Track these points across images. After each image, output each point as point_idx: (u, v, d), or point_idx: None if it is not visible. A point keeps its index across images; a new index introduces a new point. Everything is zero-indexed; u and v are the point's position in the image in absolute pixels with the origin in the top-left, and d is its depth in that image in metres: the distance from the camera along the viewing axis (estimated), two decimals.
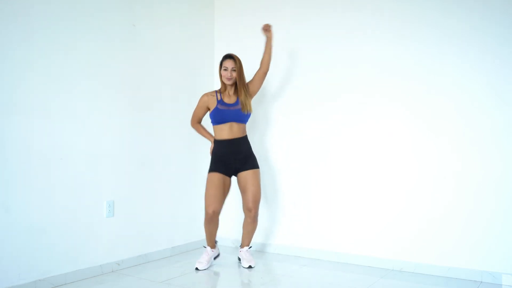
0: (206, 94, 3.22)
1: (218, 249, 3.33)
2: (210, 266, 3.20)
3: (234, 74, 3.11)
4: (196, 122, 3.29)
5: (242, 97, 3.12)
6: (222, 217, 3.93)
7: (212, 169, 3.13)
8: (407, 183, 3.09)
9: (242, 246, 3.29)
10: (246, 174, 3.12)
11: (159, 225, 3.45)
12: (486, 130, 2.84)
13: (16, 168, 2.56)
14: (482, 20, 2.85)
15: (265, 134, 3.72)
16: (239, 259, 3.29)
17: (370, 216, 3.23)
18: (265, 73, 3.23)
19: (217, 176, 3.10)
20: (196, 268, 3.11)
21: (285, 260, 3.41)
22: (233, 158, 3.11)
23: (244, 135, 3.18)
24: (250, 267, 3.15)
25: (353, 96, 3.31)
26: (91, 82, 2.96)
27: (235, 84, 3.16)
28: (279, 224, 3.64)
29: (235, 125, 3.11)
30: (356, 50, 3.30)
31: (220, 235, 3.87)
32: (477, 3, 2.87)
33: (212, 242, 3.23)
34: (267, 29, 3.18)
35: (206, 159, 3.79)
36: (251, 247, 3.32)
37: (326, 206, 3.42)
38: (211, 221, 3.11)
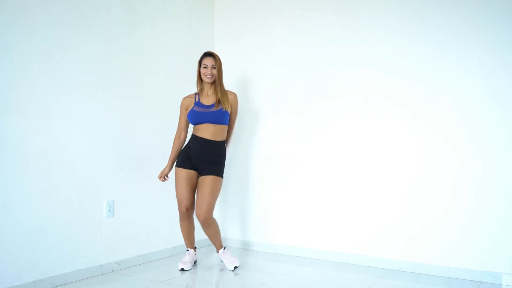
0: (185, 97, 3.20)
1: (196, 254, 3.29)
2: (209, 266, 3.18)
3: (214, 71, 3.07)
4: (179, 131, 3.20)
5: (219, 95, 3.07)
6: (220, 218, 3.93)
7: (179, 164, 3.09)
8: (407, 183, 3.09)
9: (217, 250, 3.21)
10: (205, 179, 3.02)
11: (159, 225, 3.45)
12: (486, 130, 2.84)
13: (16, 168, 2.56)
14: (483, 20, 2.85)
15: (265, 134, 3.72)
16: (222, 261, 3.22)
17: (370, 216, 3.22)
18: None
19: (183, 172, 3.06)
20: (182, 269, 3.08)
21: (285, 260, 3.41)
22: (199, 159, 3.05)
23: (219, 139, 3.09)
24: (235, 267, 3.13)
25: (354, 96, 3.31)
26: (91, 82, 2.96)
27: (214, 85, 3.12)
28: (279, 224, 3.64)
29: (211, 127, 3.05)
30: (357, 50, 3.30)
31: (223, 236, 3.86)
32: (478, 3, 2.86)
33: (192, 243, 3.22)
34: None
35: None
36: (225, 247, 3.22)
37: (326, 206, 3.41)
38: (186, 218, 3.11)
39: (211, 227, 3.08)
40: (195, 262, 3.26)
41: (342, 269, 3.16)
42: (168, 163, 3.20)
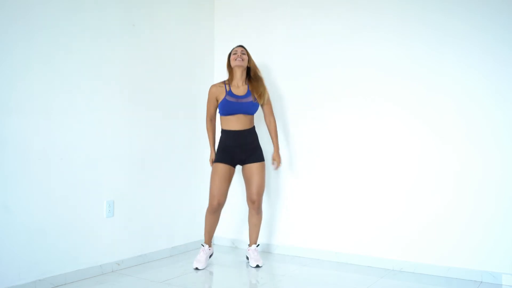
0: (214, 85, 3.21)
1: (212, 248, 3.33)
2: (207, 266, 3.19)
3: (245, 57, 3.12)
4: (210, 118, 3.26)
5: (256, 89, 3.12)
6: (220, 218, 3.93)
7: (218, 159, 3.12)
8: (407, 183, 3.09)
9: (250, 244, 3.29)
10: (252, 166, 3.12)
11: (159, 225, 3.45)
12: (486, 130, 2.84)
13: (16, 168, 2.56)
14: (482, 20, 2.85)
15: (265, 134, 3.71)
16: (247, 257, 3.29)
17: (370, 216, 3.23)
18: (265, 121, 3.34)
19: (222, 167, 3.09)
20: (196, 268, 3.10)
21: (285, 260, 3.41)
22: (239, 150, 3.11)
23: (251, 126, 3.18)
24: (257, 266, 3.15)
25: (354, 96, 3.31)
26: (91, 81, 2.96)
27: (245, 73, 3.16)
28: (279, 224, 3.64)
29: (242, 117, 3.11)
30: (357, 50, 3.30)
31: (218, 234, 3.87)
32: (478, 3, 2.87)
33: (210, 238, 3.24)
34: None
35: (206, 159, 3.79)
36: (258, 245, 3.31)
37: (326, 206, 3.42)
38: (215, 213, 3.14)
39: (260, 213, 3.22)
40: (210, 256, 3.27)
41: (342, 269, 3.16)
42: (211, 149, 3.30)
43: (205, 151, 3.84)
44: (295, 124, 3.57)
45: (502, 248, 2.78)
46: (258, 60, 3.77)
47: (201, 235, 3.71)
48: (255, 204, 3.15)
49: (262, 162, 3.18)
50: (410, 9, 3.09)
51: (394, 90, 3.15)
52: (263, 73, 3.72)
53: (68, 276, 2.79)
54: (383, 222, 3.17)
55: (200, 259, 3.14)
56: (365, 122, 3.26)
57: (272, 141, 3.32)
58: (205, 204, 3.85)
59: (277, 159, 3.28)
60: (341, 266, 3.22)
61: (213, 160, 3.22)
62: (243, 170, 3.20)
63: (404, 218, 3.10)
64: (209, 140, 3.31)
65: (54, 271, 2.72)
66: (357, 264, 3.24)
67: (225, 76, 3.84)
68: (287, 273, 3.07)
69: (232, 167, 3.14)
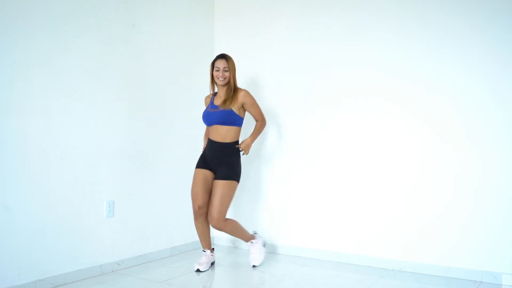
0: (206, 96, 3.31)
1: (214, 255, 3.25)
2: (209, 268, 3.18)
3: (227, 74, 3.05)
4: (206, 127, 3.30)
5: (228, 97, 3.05)
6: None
7: (196, 165, 3.18)
8: (407, 183, 3.09)
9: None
10: (216, 183, 3.03)
11: (159, 225, 3.45)
12: (486, 130, 2.84)
13: (16, 168, 2.56)
14: (483, 20, 2.85)
15: (265, 134, 3.72)
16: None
17: (370, 216, 3.22)
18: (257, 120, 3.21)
19: (197, 172, 3.13)
20: (198, 270, 3.07)
21: (285, 260, 3.41)
22: (211, 160, 3.10)
23: (228, 141, 3.07)
24: (253, 266, 3.15)
25: (354, 96, 3.31)
26: (91, 82, 2.96)
27: (227, 85, 3.10)
28: (279, 224, 3.64)
29: (220, 128, 3.06)
30: (357, 50, 3.30)
31: (218, 234, 3.88)
32: (478, 3, 2.86)
33: (207, 243, 3.18)
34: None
35: None
36: (252, 241, 3.24)
37: (326, 206, 3.42)
38: (199, 216, 3.09)
39: (225, 229, 3.08)
40: (212, 264, 3.22)
41: (342, 269, 3.16)
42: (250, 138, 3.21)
43: None
44: (294, 124, 3.57)
45: (502, 248, 2.78)
46: (258, 59, 3.78)
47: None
48: (212, 222, 3.01)
49: (228, 181, 3.01)
50: (410, 9, 3.09)
51: (394, 90, 3.15)
52: (262, 71, 3.73)
53: (68, 276, 2.79)
54: (383, 222, 3.17)
55: (201, 262, 3.12)
56: (365, 122, 3.26)
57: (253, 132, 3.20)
58: None
59: (241, 145, 3.13)
60: (341, 266, 3.22)
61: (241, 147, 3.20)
62: (212, 184, 3.11)
63: (404, 218, 3.09)
64: (203, 147, 3.30)
65: (54, 271, 2.72)
66: (357, 264, 3.24)
67: None
68: (287, 273, 3.07)
69: (209, 172, 3.11)
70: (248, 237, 3.26)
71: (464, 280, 2.86)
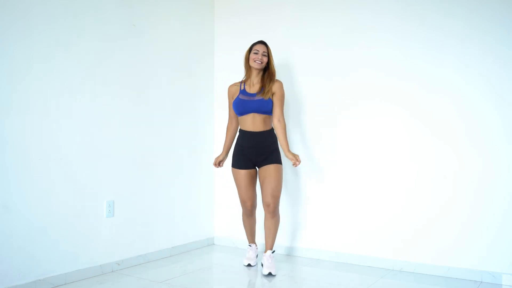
0: (231, 85, 3.19)
1: (257, 249, 3.36)
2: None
3: (265, 59, 3.02)
4: (230, 118, 3.20)
5: (266, 84, 3.00)
6: (221, 218, 3.94)
7: (236, 164, 3.08)
8: (406, 183, 3.09)
9: (265, 249, 3.08)
10: (267, 168, 3.00)
11: (159, 225, 3.45)
12: (485, 129, 2.84)
13: (16, 168, 2.56)
14: (482, 21, 2.85)
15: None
16: (262, 264, 3.10)
17: (370, 216, 3.23)
18: (275, 117, 3.03)
19: (244, 174, 3.07)
20: (248, 265, 3.18)
21: (285, 260, 3.41)
22: (255, 153, 3.02)
23: (268, 128, 3.05)
24: (270, 274, 2.95)
25: (352, 96, 3.31)
26: (91, 82, 2.96)
27: (262, 72, 3.06)
28: (279, 224, 3.63)
29: (257, 117, 3.00)
30: (356, 50, 3.30)
31: (217, 234, 3.88)
32: (477, 3, 2.87)
33: (253, 238, 3.29)
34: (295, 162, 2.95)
35: (206, 159, 3.80)
36: (274, 251, 3.09)
37: (326, 206, 3.42)
38: (251, 215, 3.19)
39: (275, 217, 3.07)
40: (257, 256, 3.30)
41: (342, 269, 3.16)
42: (223, 151, 3.26)
43: (205, 151, 3.85)
44: (293, 124, 3.57)
45: (502, 248, 2.78)
46: None
47: (201, 234, 3.71)
48: (270, 207, 3.01)
49: (279, 164, 3.03)
50: (410, 10, 3.09)
51: (393, 90, 3.15)
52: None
53: (68, 276, 2.79)
54: (383, 222, 3.17)
55: (250, 256, 3.21)
56: (365, 122, 3.26)
57: (280, 141, 3.04)
58: (206, 203, 3.87)
59: (289, 157, 2.95)
60: (341, 266, 3.22)
61: (219, 160, 3.25)
62: (259, 172, 3.10)
63: (404, 218, 3.10)
64: (225, 141, 3.27)
65: (54, 271, 2.72)
66: (357, 264, 3.24)
67: (225, 76, 3.86)
68: (287, 273, 3.07)
69: (252, 170, 3.09)
70: (272, 245, 3.09)
71: (464, 280, 2.86)
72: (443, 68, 2.97)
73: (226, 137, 3.26)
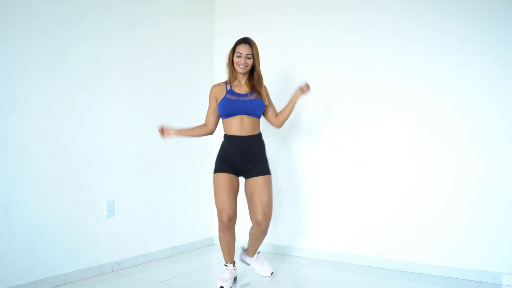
0: (214, 85, 2.84)
1: (236, 270, 2.89)
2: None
3: (249, 62, 2.69)
4: (206, 121, 2.84)
5: (258, 87, 2.72)
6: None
7: (218, 169, 2.73)
8: (407, 183, 3.09)
9: (251, 254, 2.96)
10: (255, 181, 2.71)
11: (159, 225, 3.45)
12: (485, 130, 2.84)
13: (16, 168, 2.56)
14: (482, 21, 2.85)
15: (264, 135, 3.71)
16: (253, 267, 3.02)
17: (370, 216, 3.23)
18: (274, 125, 2.90)
19: (224, 177, 2.70)
20: (221, 287, 2.69)
21: (285, 260, 3.41)
22: (241, 159, 2.71)
23: (257, 132, 2.76)
24: (272, 273, 2.98)
25: (352, 96, 3.31)
26: (91, 81, 2.96)
27: (248, 74, 2.76)
28: (279, 224, 3.64)
29: (246, 119, 2.69)
30: (356, 50, 3.30)
31: (217, 234, 3.86)
32: (477, 3, 2.87)
33: (232, 256, 2.82)
34: (303, 91, 2.80)
35: (206, 159, 3.80)
36: (259, 252, 3.05)
37: (326, 206, 3.42)
38: (228, 229, 2.71)
39: (265, 234, 2.82)
40: (235, 279, 2.85)
41: (342, 269, 3.16)
42: (180, 129, 2.83)
43: (205, 151, 3.85)
44: (291, 124, 3.57)
45: (502, 248, 2.78)
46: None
47: (201, 235, 3.71)
48: (261, 226, 2.72)
49: (268, 175, 2.75)
50: (410, 10, 3.09)
51: (393, 90, 3.15)
52: (262, 71, 3.72)
53: (68, 276, 2.79)
54: (383, 222, 3.17)
55: (225, 278, 2.73)
56: (365, 122, 3.26)
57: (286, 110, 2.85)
58: (206, 203, 3.86)
59: (297, 94, 2.80)
60: (341, 266, 3.22)
61: (166, 128, 2.78)
62: (245, 184, 2.79)
63: (404, 218, 3.10)
64: (188, 127, 2.87)
65: (54, 271, 2.72)
66: (357, 264, 3.24)
67: (225, 76, 3.83)
68: (287, 273, 3.07)
69: (235, 176, 2.75)
70: (256, 250, 2.99)
71: (464, 280, 2.86)
72: (443, 68, 2.97)
73: (194, 127, 2.86)
